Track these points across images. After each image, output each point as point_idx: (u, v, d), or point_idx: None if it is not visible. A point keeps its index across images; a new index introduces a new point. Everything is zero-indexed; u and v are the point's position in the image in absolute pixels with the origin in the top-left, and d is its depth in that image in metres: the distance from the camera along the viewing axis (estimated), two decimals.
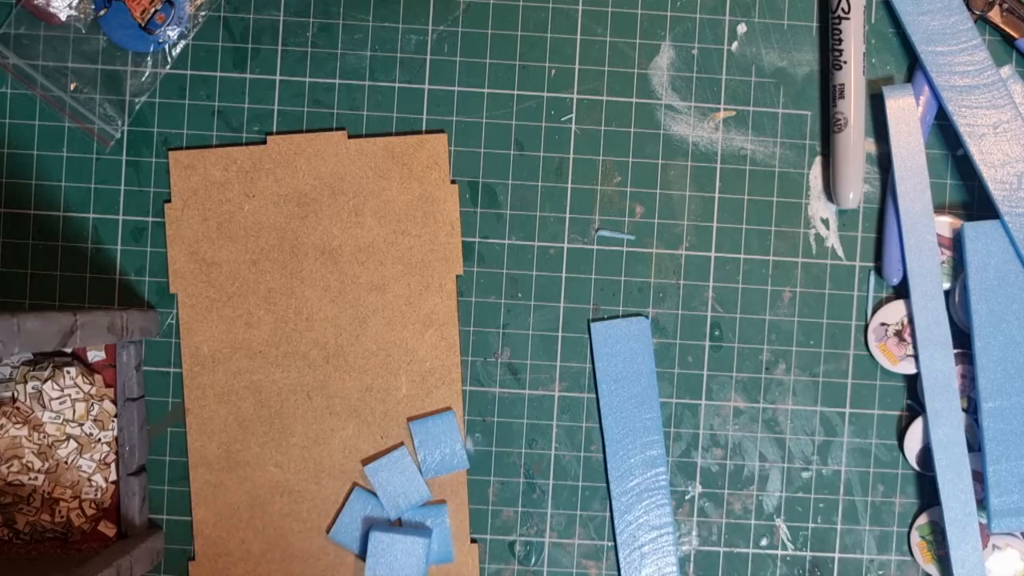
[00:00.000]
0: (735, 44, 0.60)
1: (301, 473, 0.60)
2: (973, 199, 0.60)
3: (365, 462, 0.60)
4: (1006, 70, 0.59)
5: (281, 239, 0.59)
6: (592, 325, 0.60)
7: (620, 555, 0.60)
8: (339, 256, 0.59)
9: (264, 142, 0.60)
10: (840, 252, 0.60)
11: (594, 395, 0.60)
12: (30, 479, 0.57)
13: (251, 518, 0.60)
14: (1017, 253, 0.57)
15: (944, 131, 0.60)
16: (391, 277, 0.59)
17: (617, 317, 0.60)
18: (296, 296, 0.59)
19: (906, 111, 0.58)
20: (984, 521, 0.58)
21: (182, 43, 0.59)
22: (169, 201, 0.60)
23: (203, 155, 0.59)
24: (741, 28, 0.60)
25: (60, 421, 0.57)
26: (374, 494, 0.60)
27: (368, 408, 0.60)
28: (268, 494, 0.60)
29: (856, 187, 0.58)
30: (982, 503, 0.58)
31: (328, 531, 0.60)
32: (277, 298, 0.59)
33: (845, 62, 0.58)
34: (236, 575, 0.60)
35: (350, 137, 0.60)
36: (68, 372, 0.57)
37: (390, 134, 0.60)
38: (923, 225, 0.58)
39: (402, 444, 0.60)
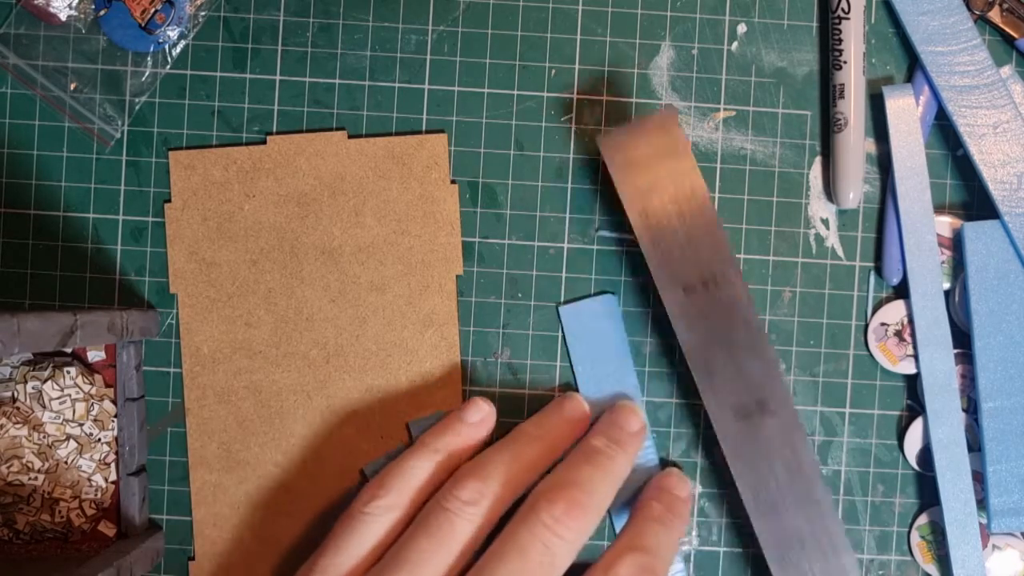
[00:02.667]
0: (735, 44, 0.60)
1: (301, 473, 0.60)
2: (973, 199, 0.60)
3: (365, 462, 0.60)
4: (1006, 70, 0.59)
5: (281, 239, 0.59)
6: (561, 309, 0.60)
7: None
8: (339, 256, 0.59)
9: (264, 142, 0.60)
10: (840, 252, 0.60)
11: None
12: (30, 479, 0.57)
13: (251, 518, 0.60)
14: (1017, 253, 0.57)
15: (944, 131, 0.60)
16: (391, 277, 0.59)
17: (587, 296, 0.60)
18: (296, 296, 0.59)
19: (906, 111, 0.58)
20: (984, 521, 0.58)
21: (182, 43, 0.59)
22: (169, 201, 0.60)
23: (203, 155, 0.59)
24: (741, 28, 0.60)
25: (60, 421, 0.57)
26: None
27: (368, 408, 0.60)
28: (268, 494, 0.60)
29: (856, 187, 0.58)
30: (982, 503, 0.58)
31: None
32: (277, 298, 0.59)
33: (845, 62, 0.58)
34: (236, 575, 0.60)
35: (350, 137, 0.60)
36: (68, 372, 0.57)
37: (390, 134, 0.60)
38: (923, 225, 0.58)
39: (402, 444, 0.60)
